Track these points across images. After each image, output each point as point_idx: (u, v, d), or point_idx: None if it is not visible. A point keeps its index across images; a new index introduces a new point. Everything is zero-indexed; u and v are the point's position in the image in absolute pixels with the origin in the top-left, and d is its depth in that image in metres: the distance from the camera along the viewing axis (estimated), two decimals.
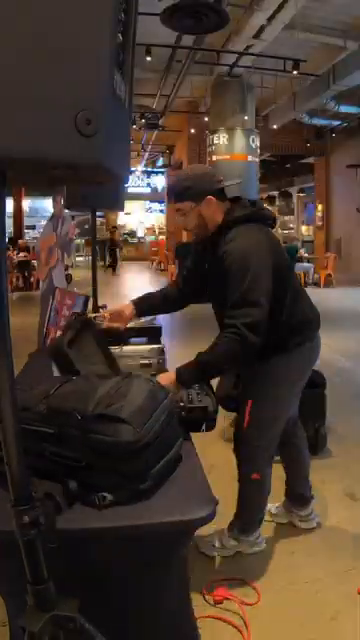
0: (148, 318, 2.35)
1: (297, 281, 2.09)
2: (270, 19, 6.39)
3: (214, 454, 2.78)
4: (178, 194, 1.86)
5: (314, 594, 1.96)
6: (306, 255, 12.81)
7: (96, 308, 2.84)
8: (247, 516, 2.12)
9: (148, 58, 7.28)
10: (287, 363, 1.98)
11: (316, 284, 11.80)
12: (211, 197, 1.82)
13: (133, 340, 2.31)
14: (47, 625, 0.87)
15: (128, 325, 2.09)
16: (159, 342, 2.30)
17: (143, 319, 2.30)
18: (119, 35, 0.72)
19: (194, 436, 1.53)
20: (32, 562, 0.87)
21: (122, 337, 2.13)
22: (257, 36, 6.87)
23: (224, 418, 3.45)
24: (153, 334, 2.40)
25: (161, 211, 21.52)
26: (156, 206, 22.08)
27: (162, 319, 2.58)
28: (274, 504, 2.41)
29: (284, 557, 2.19)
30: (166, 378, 1.66)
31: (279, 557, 2.18)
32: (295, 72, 7.87)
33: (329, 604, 1.90)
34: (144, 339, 2.36)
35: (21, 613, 0.90)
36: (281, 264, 1.88)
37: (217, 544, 2.14)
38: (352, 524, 2.43)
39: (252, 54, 7.52)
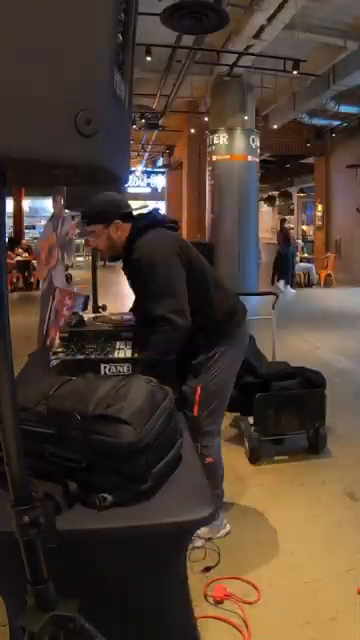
0: None
1: (215, 272, 2.28)
2: (270, 19, 6.39)
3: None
4: (90, 218, 2.07)
5: (314, 594, 1.96)
6: (305, 255, 12.79)
7: (96, 308, 2.84)
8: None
9: (148, 58, 7.28)
10: (229, 346, 2.16)
11: (312, 284, 11.81)
12: (118, 220, 2.03)
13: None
14: (47, 625, 0.87)
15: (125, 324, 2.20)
16: None
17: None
18: (119, 35, 0.72)
19: None
20: (32, 562, 0.87)
21: None
22: (257, 36, 6.86)
23: (223, 419, 3.46)
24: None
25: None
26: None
27: None
28: None
29: (284, 557, 2.19)
30: None
31: (279, 557, 2.18)
32: (295, 72, 7.86)
33: (329, 604, 1.90)
34: None
35: (21, 613, 0.90)
36: (191, 256, 2.08)
37: None
38: (352, 524, 2.43)
39: (252, 54, 7.52)
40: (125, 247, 2.04)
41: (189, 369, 2.16)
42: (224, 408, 2.25)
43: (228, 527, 2.31)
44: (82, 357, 1.79)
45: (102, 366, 1.74)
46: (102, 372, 1.73)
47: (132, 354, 1.86)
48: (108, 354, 1.84)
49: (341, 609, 1.87)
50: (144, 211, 2.25)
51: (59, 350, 1.88)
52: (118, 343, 1.96)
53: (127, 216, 2.07)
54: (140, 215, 2.14)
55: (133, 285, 2.16)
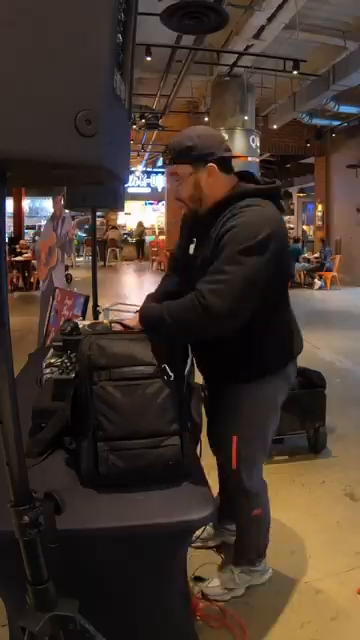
0: None
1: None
2: (270, 19, 6.38)
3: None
4: (176, 154, 1.55)
5: (314, 594, 1.96)
6: (305, 256, 12.78)
7: (95, 306, 2.81)
8: (254, 550, 1.95)
9: (148, 58, 7.27)
10: (276, 384, 1.71)
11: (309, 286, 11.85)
12: (213, 165, 1.53)
13: None
14: (47, 625, 0.87)
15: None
16: None
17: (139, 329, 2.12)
18: (119, 35, 0.72)
19: None
20: (32, 562, 0.87)
21: None
22: (257, 36, 6.86)
23: None
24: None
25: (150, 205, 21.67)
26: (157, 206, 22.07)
27: None
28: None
29: (284, 557, 2.19)
30: (133, 319, 1.57)
31: (279, 557, 2.18)
32: (295, 72, 7.86)
33: (329, 604, 1.90)
34: None
35: (21, 613, 0.90)
36: (286, 262, 1.60)
37: (229, 585, 1.92)
38: (352, 524, 2.43)
39: (252, 54, 7.51)
40: (215, 205, 1.54)
41: (219, 403, 1.71)
42: (267, 452, 1.84)
43: (270, 570, 2.03)
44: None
45: None
46: None
47: None
48: None
49: (341, 609, 1.87)
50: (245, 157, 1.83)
51: (52, 362, 1.71)
52: None
53: (225, 163, 1.57)
54: (247, 173, 1.65)
55: (196, 255, 1.63)
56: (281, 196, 1.63)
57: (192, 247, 1.67)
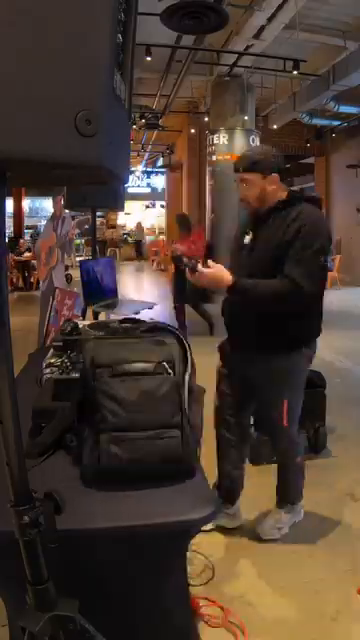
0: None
1: None
2: (270, 19, 6.38)
3: (214, 455, 2.78)
4: (249, 165, 2.02)
5: (314, 594, 1.96)
6: None
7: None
8: (295, 491, 2.35)
9: (148, 58, 7.27)
10: (309, 355, 2.16)
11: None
12: (277, 175, 2.02)
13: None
14: (47, 625, 0.87)
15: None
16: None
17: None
18: (119, 35, 0.72)
19: None
20: (32, 562, 0.87)
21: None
22: (257, 36, 6.86)
23: None
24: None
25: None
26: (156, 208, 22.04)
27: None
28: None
29: (284, 557, 2.19)
30: (219, 278, 1.96)
31: (279, 557, 2.18)
32: (295, 72, 7.85)
33: (329, 604, 1.90)
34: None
35: (21, 613, 0.90)
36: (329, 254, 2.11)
37: (279, 525, 2.30)
38: (352, 524, 2.43)
39: (252, 54, 7.51)
40: (276, 206, 2.03)
41: (267, 371, 2.11)
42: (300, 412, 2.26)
43: (303, 504, 2.42)
44: (77, 376, 1.55)
45: None
46: None
47: None
48: None
49: (341, 609, 1.87)
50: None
51: (52, 362, 1.72)
52: None
53: (284, 174, 2.08)
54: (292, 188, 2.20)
55: (258, 242, 2.08)
56: (320, 203, 2.17)
57: (247, 238, 2.11)
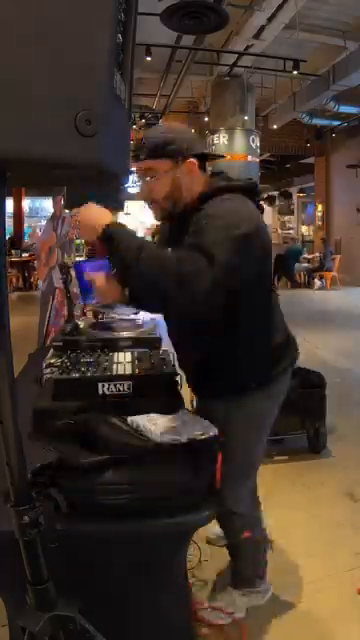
0: (146, 328, 2.02)
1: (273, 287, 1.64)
2: (270, 19, 6.38)
3: None
4: (154, 149, 1.41)
5: (314, 594, 1.96)
6: (305, 256, 12.79)
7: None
8: (251, 571, 1.84)
9: (148, 58, 7.27)
10: (267, 396, 1.58)
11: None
12: (194, 160, 1.42)
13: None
14: (47, 625, 0.87)
15: (124, 335, 1.89)
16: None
17: (142, 329, 2.00)
18: (119, 35, 0.72)
19: None
20: (32, 562, 0.87)
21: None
22: (257, 36, 6.86)
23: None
24: (152, 345, 1.95)
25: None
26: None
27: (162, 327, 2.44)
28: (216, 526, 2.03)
29: (284, 557, 2.19)
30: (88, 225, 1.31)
31: (279, 557, 2.18)
32: (295, 72, 7.86)
33: (329, 604, 1.90)
34: None
35: (21, 613, 0.90)
36: (268, 248, 1.46)
37: (228, 609, 1.81)
38: (352, 524, 2.43)
39: (252, 54, 7.51)
40: (191, 203, 1.43)
41: (204, 409, 1.59)
42: (256, 470, 1.71)
43: (271, 588, 1.91)
44: (77, 376, 1.55)
45: (100, 385, 1.51)
46: (100, 391, 1.51)
47: (132, 370, 1.58)
48: (106, 370, 1.58)
49: (341, 609, 1.87)
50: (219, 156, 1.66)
51: (52, 362, 1.69)
52: (116, 356, 1.70)
53: (203, 160, 1.48)
54: (219, 172, 1.56)
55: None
56: (259, 194, 1.51)
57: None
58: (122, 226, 1.29)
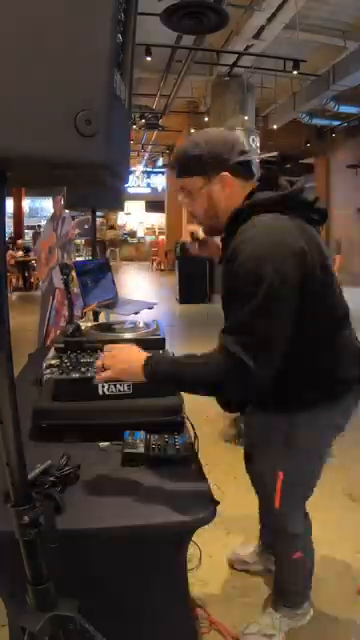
0: (150, 329, 1.96)
1: (342, 298, 1.50)
2: (270, 19, 6.39)
3: (214, 454, 2.78)
4: (182, 167, 1.35)
5: (314, 594, 1.96)
6: None
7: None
8: (295, 592, 1.78)
9: (148, 58, 7.28)
10: (332, 414, 1.50)
11: None
12: (226, 173, 1.31)
13: None
14: (47, 625, 0.87)
15: (128, 336, 1.85)
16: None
17: (144, 330, 1.96)
18: (119, 35, 0.72)
19: None
20: (32, 562, 0.87)
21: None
22: (257, 36, 6.86)
23: (223, 419, 3.45)
24: (156, 346, 1.92)
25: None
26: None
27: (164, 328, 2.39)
28: (246, 547, 2.13)
29: None
30: (126, 371, 1.26)
31: None
32: (295, 72, 7.86)
33: (329, 604, 1.90)
34: None
35: (21, 613, 0.90)
36: (316, 275, 1.28)
37: (268, 631, 1.73)
38: (352, 524, 2.43)
39: (252, 54, 7.52)
40: (228, 221, 1.32)
41: (262, 435, 1.55)
42: (312, 490, 1.65)
43: (312, 610, 1.84)
44: (77, 376, 1.55)
45: (100, 385, 1.50)
46: (100, 392, 1.52)
47: None
48: None
49: (341, 609, 1.87)
50: (270, 156, 1.54)
51: (53, 363, 1.68)
52: None
53: (242, 169, 1.34)
54: (282, 180, 1.40)
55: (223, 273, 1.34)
56: (309, 205, 1.36)
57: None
58: (151, 359, 1.26)
